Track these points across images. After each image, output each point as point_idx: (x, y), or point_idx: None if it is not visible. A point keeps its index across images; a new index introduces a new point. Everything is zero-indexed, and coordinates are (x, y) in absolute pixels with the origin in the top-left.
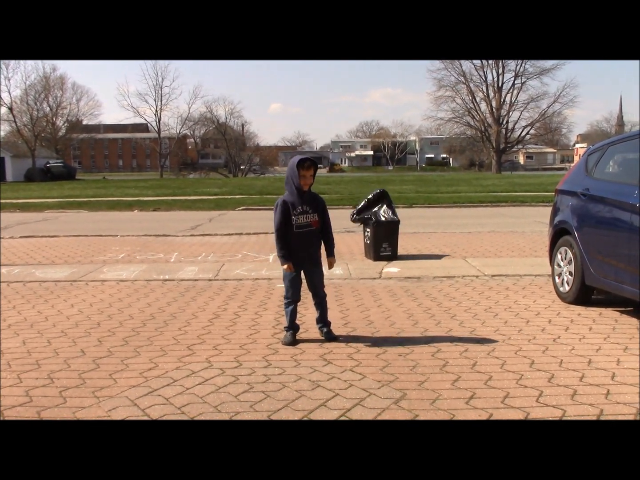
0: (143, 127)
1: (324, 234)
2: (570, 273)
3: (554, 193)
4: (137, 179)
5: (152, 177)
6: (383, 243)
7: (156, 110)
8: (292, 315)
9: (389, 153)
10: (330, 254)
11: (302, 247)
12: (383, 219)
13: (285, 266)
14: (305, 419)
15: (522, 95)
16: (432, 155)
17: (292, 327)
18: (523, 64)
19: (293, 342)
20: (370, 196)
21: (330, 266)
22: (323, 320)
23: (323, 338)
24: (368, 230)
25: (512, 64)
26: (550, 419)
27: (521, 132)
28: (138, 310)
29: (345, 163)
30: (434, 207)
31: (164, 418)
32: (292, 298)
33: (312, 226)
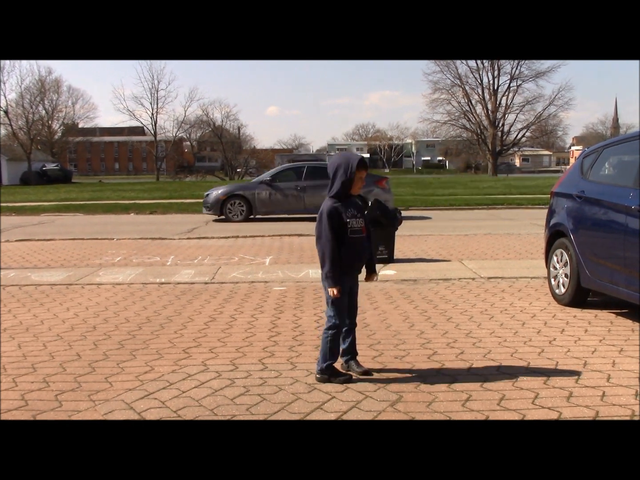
0: (139, 130)
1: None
2: (566, 275)
3: (549, 195)
4: (134, 182)
5: (149, 180)
6: (379, 246)
7: (152, 113)
8: (337, 345)
9: (385, 156)
10: (373, 268)
11: (357, 258)
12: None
13: (335, 290)
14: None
15: (518, 98)
16: (429, 158)
17: (335, 358)
18: (518, 67)
19: (349, 377)
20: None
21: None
22: (353, 351)
23: (351, 374)
24: None
25: (507, 66)
26: (546, 420)
27: (517, 135)
28: (134, 314)
29: None
30: (430, 210)
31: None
32: (342, 324)
33: (362, 233)
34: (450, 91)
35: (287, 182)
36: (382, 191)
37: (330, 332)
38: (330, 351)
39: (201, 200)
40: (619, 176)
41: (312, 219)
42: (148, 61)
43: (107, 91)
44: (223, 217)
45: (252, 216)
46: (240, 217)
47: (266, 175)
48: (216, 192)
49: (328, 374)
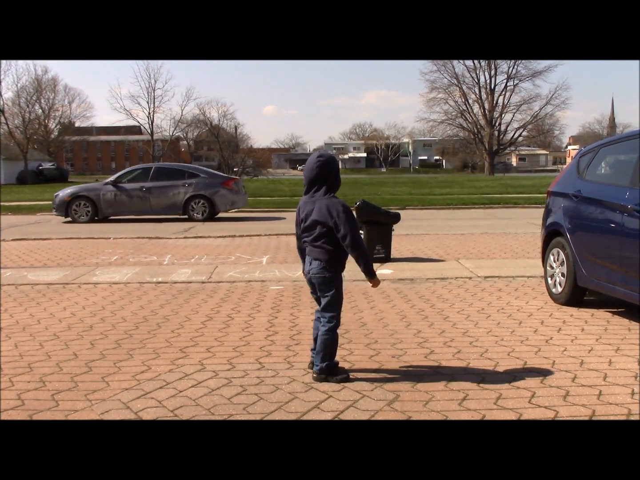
0: (136, 130)
1: None
2: (562, 274)
3: (546, 195)
4: None
5: None
6: (376, 245)
7: (149, 113)
8: (337, 344)
9: (382, 155)
10: None
11: None
12: None
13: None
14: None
15: (515, 98)
16: (425, 157)
17: (334, 357)
18: (515, 66)
19: (346, 376)
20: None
21: None
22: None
23: (348, 373)
24: (361, 232)
25: (504, 66)
26: (543, 419)
27: (514, 134)
28: (131, 313)
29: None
30: (427, 209)
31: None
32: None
33: None
34: (447, 90)
35: (133, 183)
36: (229, 192)
37: (331, 333)
38: (331, 351)
39: None
40: (615, 175)
41: (160, 220)
42: (145, 61)
43: (104, 90)
44: (69, 218)
45: (97, 217)
46: (86, 218)
47: (112, 177)
48: (63, 193)
49: (326, 374)
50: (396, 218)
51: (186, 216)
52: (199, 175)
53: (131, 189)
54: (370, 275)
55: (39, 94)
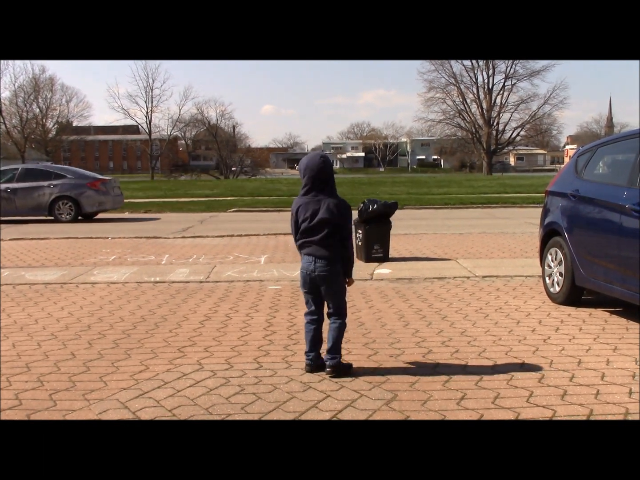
0: (134, 129)
1: None
2: (560, 274)
3: (544, 194)
4: (128, 181)
5: (143, 179)
6: (374, 244)
7: (147, 112)
8: None
9: (380, 154)
10: None
11: None
12: None
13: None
14: (296, 419)
15: (513, 97)
16: (424, 157)
17: None
18: (513, 66)
19: (351, 364)
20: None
21: None
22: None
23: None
24: (359, 231)
25: (502, 65)
26: (541, 419)
27: (511, 134)
28: (129, 313)
29: (336, 164)
30: (425, 209)
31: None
32: None
33: None
34: (445, 90)
35: None
36: (95, 193)
37: (344, 326)
38: (340, 342)
39: (195, 200)
40: (613, 175)
41: (25, 221)
42: (143, 60)
43: (102, 89)
44: None
45: None
46: None
47: None
48: None
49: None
50: (394, 207)
51: (52, 217)
52: (65, 176)
53: None
54: (349, 275)
55: (36, 94)
